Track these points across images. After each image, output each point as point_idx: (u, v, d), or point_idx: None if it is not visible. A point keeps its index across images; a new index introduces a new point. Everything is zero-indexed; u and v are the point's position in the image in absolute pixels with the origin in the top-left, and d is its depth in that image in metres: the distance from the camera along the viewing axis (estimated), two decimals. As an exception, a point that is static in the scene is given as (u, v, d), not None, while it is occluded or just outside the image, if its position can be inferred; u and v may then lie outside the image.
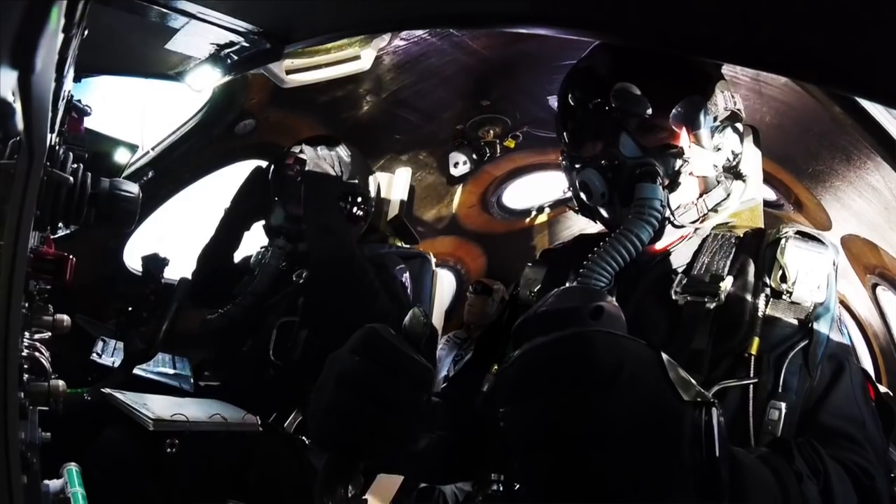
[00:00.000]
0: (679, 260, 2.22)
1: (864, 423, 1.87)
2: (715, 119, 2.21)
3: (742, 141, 2.32)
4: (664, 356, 1.33)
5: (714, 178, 2.26)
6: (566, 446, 1.28)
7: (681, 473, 1.23)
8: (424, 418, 1.60)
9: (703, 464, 1.24)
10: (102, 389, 3.48)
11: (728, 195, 2.29)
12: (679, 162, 2.16)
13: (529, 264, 2.57)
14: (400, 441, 1.59)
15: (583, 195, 2.28)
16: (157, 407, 3.27)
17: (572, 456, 1.27)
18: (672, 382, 1.29)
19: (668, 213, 2.16)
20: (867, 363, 5.75)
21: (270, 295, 4.24)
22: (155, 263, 4.10)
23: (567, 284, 2.22)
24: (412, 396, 1.57)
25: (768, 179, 4.60)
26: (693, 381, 1.34)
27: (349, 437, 1.56)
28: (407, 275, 4.21)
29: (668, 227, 2.22)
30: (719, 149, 2.23)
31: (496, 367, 2.27)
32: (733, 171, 2.30)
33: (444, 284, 6.56)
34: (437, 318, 4.79)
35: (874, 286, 5.21)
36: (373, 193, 4.57)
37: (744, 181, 2.31)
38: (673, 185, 2.16)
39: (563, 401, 1.28)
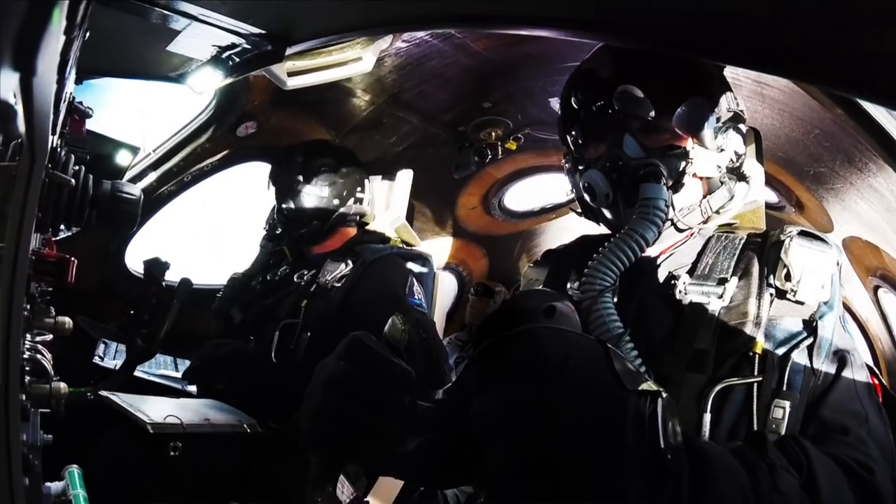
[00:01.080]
0: (683, 260, 2.23)
1: (866, 417, 1.87)
2: (718, 120, 2.21)
3: (745, 142, 2.33)
4: (610, 348, 1.35)
5: (717, 180, 2.28)
6: (518, 435, 1.31)
7: (626, 460, 1.25)
8: (408, 419, 1.64)
9: (650, 452, 1.26)
10: (100, 392, 3.49)
11: (732, 197, 2.29)
12: (682, 163, 2.17)
13: (531, 265, 2.59)
14: (384, 440, 1.63)
15: (586, 197, 2.29)
16: (154, 409, 3.27)
17: (525, 444, 1.30)
18: (617, 373, 1.31)
19: (672, 215, 2.17)
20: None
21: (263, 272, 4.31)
22: (156, 267, 4.10)
23: (569, 285, 2.23)
24: (394, 397, 1.61)
25: (770, 181, 4.62)
26: (642, 373, 1.38)
27: (336, 438, 1.60)
28: (421, 297, 4.23)
29: (671, 229, 2.23)
30: (722, 150, 2.24)
31: None
32: (736, 173, 2.31)
33: (446, 286, 6.56)
34: (439, 321, 4.79)
35: (876, 288, 5.22)
36: (367, 194, 4.63)
37: (747, 182, 2.32)
38: (676, 186, 2.17)
39: (514, 392, 1.32)
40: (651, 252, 2.26)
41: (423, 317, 4.10)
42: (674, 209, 2.19)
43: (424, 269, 4.49)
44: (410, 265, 4.32)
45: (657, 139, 2.19)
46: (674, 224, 2.24)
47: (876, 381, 2.09)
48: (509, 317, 1.48)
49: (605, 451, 1.27)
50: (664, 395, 1.32)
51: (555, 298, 1.52)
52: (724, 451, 1.53)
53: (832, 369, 1.94)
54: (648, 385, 1.32)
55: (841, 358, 1.96)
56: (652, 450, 1.26)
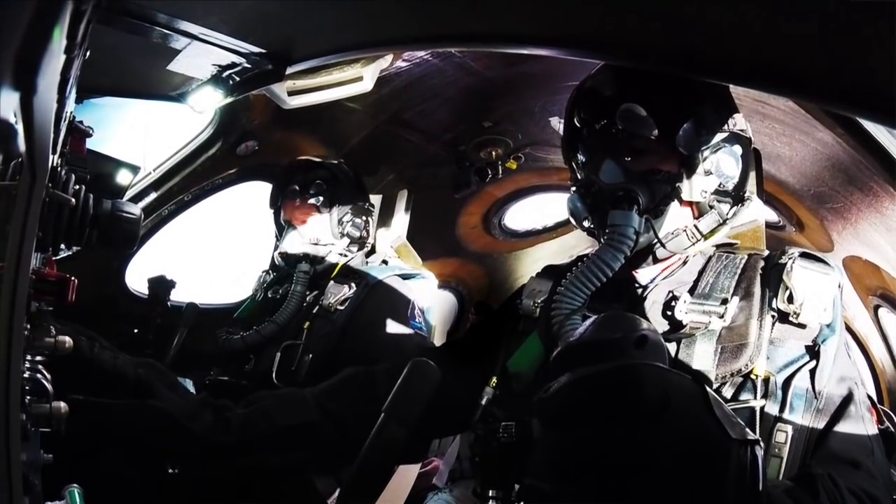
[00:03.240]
0: (684, 278, 2.23)
1: (872, 449, 1.88)
2: (707, 143, 2.21)
3: (739, 164, 2.31)
4: (709, 391, 1.35)
5: (706, 204, 2.26)
6: (611, 475, 1.30)
7: None
8: None
9: (745, 500, 1.27)
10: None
11: (724, 220, 2.28)
12: (665, 187, 2.17)
13: (533, 276, 2.58)
14: None
15: (572, 220, 2.31)
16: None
17: (616, 485, 1.29)
18: (718, 419, 1.31)
19: (654, 240, 2.18)
20: (869, 384, 5.73)
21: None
22: (162, 286, 4.08)
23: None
24: None
25: (770, 200, 4.61)
26: (739, 420, 1.37)
27: None
28: (422, 320, 4.22)
29: (661, 251, 2.24)
30: (710, 173, 2.23)
31: (495, 380, 2.30)
32: (729, 195, 2.30)
33: (446, 305, 6.55)
34: (439, 339, 4.78)
35: (876, 308, 5.20)
36: (373, 216, 4.63)
37: (742, 204, 2.31)
38: (657, 212, 2.17)
39: (610, 431, 1.31)
40: (651, 271, 2.26)
41: (423, 341, 4.08)
42: (656, 234, 2.19)
43: (425, 291, 4.48)
44: (412, 287, 4.31)
45: (639, 163, 2.20)
46: (653, 251, 2.24)
47: (872, 408, 2.10)
48: (596, 348, 1.47)
49: (704, 499, 1.27)
50: (761, 443, 1.33)
51: (641, 326, 1.50)
52: (783, 494, 1.56)
53: (836, 397, 1.94)
54: (748, 433, 1.33)
55: (848, 388, 1.97)
56: (750, 500, 1.27)
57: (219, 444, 2.36)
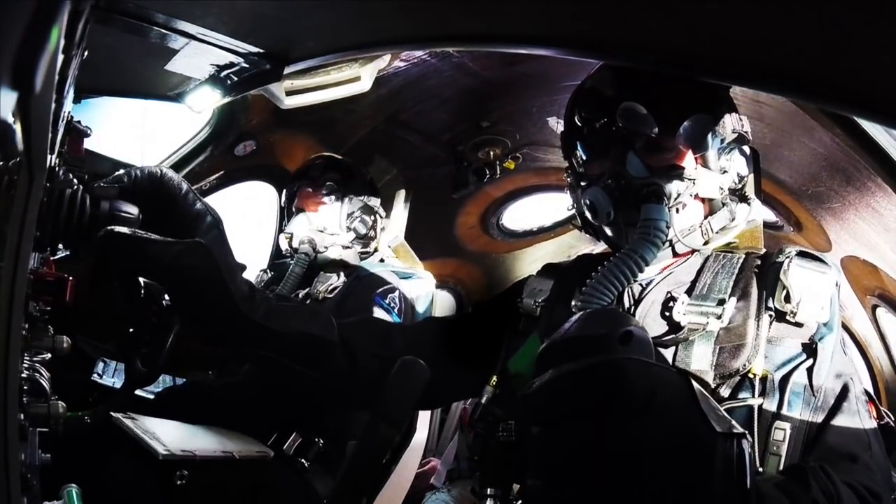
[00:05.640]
0: (681, 278, 2.23)
1: (869, 443, 1.88)
2: (722, 141, 2.22)
3: (748, 164, 2.33)
4: (695, 385, 1.34)
5: (719, 201, 2.28)
6: (596, 472, 1.29)
7: (709, 503, 1.26)
8: None
9: (732, 495, 1.26)
10: (112, 413, 3.45)
11: (733, 219, 2.30)
12: (685, 183, 2.17)
13: (533, 275, 2.58)
14: None
15: (588, 213, 2.29)
16: (166, 437, 3.23)
17: (602, 481, 1.29)
18: (704, 413, 1.30)
19: (672, 236, 2.18)
20: (867, 384, 5.73)
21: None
22: (156, 285, 4.06)
23: (573, 303, 2.22)
24: None
25: (768, 200, 4.61)
26: (725, 414, 1.36)
27: None
28: (395, 305, 4.20)
29: (679, 247, 2.24)
30: (725, 171, 2.24)
31: (495, 378, 2.30)
32: (738, 195, 2.31)
33: (444, 305, 6.53)
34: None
35: (874, 307, 5.20)
36: (381, 214, 4.72)
37: (749, 205, 2.32)
38: (678, 207, 2.18)
39: (596, 427, 1.30)
40: (651, 271, 2.26)
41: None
42: (674, 230, 2.19)
43: (423, 291, 4.48)
44: (407, 286, 4.31)
45: (660, 159, 2.20)
46: (672, 246, 2.24)
47: (871, 403, 2.10)
48: (581, 344, 1.46)
49: (691, 495, 1.27)
50: (747, 436, 1.32)
51: (627, 321, 1.49)
52: (773, 488, 1.55)
53: (833, 392, 1.95)
54: (734, 427, 1.32)
55: (843, 383, 1.97)
56: (737, 495, 1.27)
57: (243, 315, 2.29)
